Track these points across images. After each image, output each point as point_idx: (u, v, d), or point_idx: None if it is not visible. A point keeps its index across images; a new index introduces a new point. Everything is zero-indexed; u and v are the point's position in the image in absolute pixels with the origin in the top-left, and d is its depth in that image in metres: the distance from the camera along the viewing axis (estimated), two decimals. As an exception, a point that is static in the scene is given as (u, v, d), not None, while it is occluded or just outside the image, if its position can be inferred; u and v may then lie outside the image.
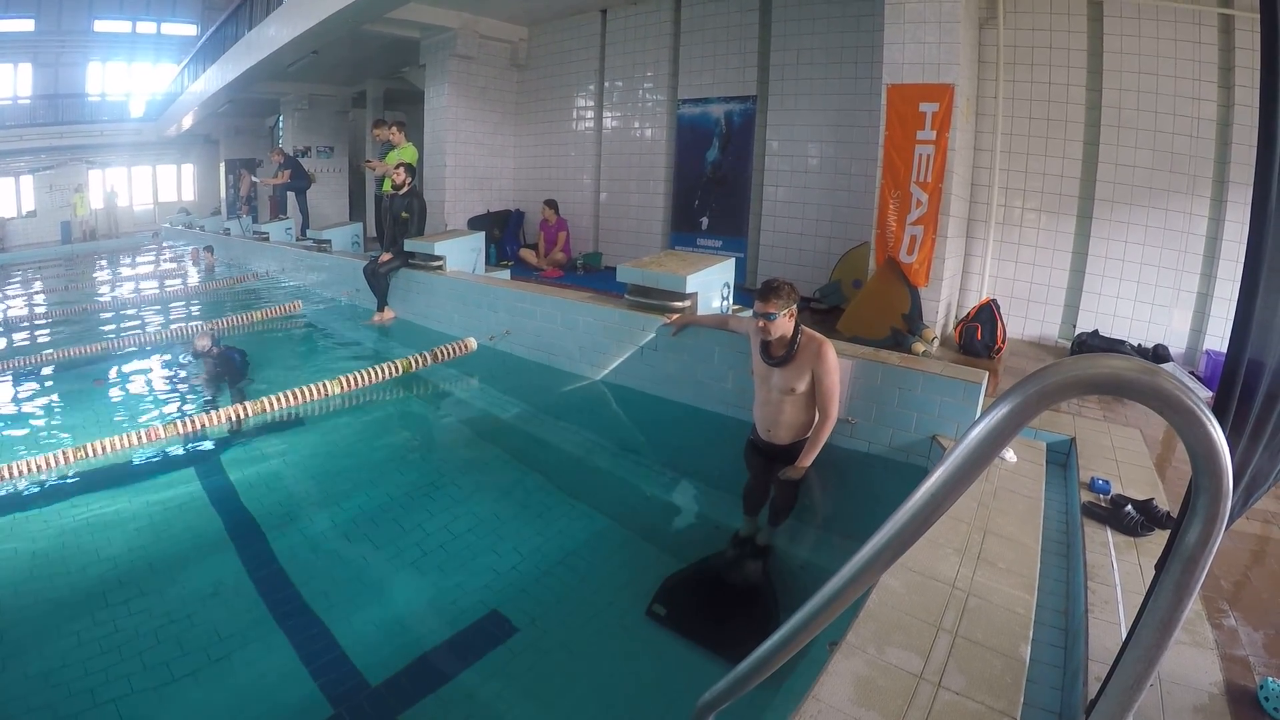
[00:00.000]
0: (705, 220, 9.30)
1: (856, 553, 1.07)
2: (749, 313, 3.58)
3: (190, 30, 24.04)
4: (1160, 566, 1.05)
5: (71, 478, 4.16)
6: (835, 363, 3.50)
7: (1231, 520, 1.34)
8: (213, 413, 4.99)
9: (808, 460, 3.50)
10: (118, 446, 4.41)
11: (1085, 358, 0.88)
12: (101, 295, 11.69)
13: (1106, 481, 3.30)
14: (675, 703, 2.22)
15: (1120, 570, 2.63)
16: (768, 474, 3.62)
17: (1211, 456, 0.87)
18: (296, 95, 16.21)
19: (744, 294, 6.58)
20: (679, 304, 5.22)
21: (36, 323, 9.40)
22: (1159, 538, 2.85)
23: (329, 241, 10.28)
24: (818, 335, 3.53)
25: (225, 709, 2.46)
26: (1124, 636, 1.27)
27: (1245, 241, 1.29)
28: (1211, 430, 0.86)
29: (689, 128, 9.37)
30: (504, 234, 11.06)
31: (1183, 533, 0.96)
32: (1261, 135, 1.24)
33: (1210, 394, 3.86)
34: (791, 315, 3.47)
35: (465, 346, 6.39)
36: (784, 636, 1.23)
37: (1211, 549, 0.95)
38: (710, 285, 5.48)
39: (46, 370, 6.49)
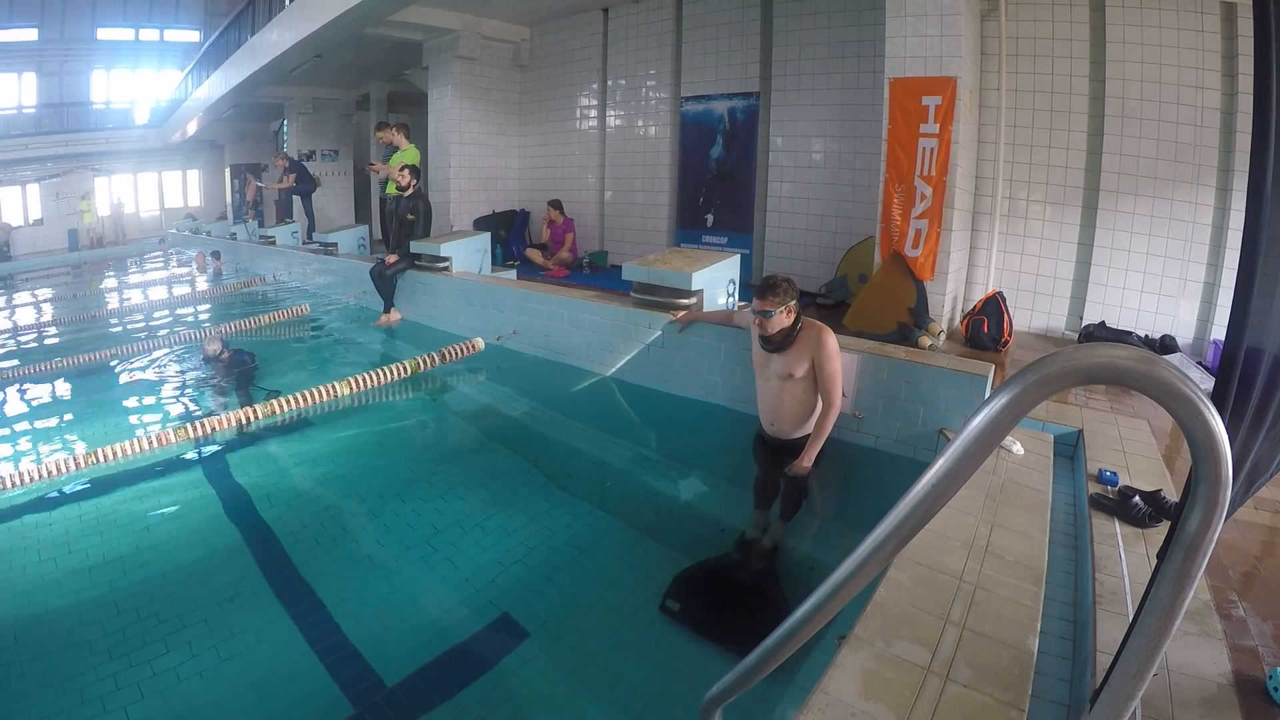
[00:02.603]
0: (710, 217, 9.30)
1: (861, 543, 1.08)
2: (753, 308, 3.58)
3: (193, 36, 24.17)
4: (1162, 555, 1.06)
5: (81, 483, 4.16)
6: (836, 349, 3.49)
7: (1233, 509, 1.34)
8: (223, 416, 5.01)
9: (812, 453, 3.51)
10: (128, 452, 4.42)
11: (1084, 347, 0.89)
12: (110, 301, 11.76)
13: (1114, 473, 3.29)
14: (683, 699, 2.23)
15: (1128, 561, 2.62)
16: (776, 469, 3.62)
17: (1211, 445, 0.88)
18: (300, 99, 16.28)
19: (750, 290, 6.58)
20: (685, 301, 5.22)
21: (47, 329, 9.45)
22: (1167, 529, 2.84)
23: (335, 244, 10.34)
24: (817, 322, 3.54)
25: (245, 710, 2.48)
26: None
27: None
28: (1210, 418, 0.86)
29: (692, 125, 9.37)
30: (509, 234, 11.10)
31: (1183, 521, 0.97)
32: (1256, 126, 1.25)
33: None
34: (789, 311, 3.47)
35: (473, 346, 6.41)
36: (790, 628, 1.25)
37: (1212, 537, 0.96)
38: (716, 282, 5.49)
39: (58, 376, 6.53)
